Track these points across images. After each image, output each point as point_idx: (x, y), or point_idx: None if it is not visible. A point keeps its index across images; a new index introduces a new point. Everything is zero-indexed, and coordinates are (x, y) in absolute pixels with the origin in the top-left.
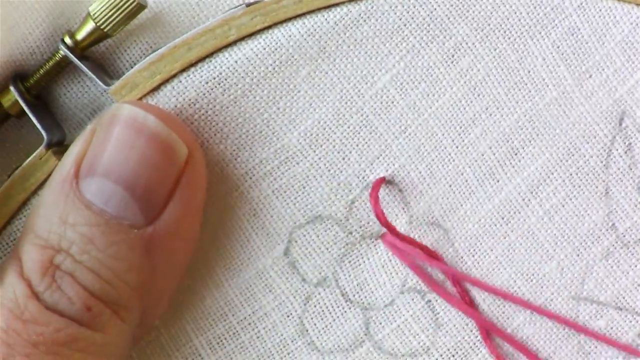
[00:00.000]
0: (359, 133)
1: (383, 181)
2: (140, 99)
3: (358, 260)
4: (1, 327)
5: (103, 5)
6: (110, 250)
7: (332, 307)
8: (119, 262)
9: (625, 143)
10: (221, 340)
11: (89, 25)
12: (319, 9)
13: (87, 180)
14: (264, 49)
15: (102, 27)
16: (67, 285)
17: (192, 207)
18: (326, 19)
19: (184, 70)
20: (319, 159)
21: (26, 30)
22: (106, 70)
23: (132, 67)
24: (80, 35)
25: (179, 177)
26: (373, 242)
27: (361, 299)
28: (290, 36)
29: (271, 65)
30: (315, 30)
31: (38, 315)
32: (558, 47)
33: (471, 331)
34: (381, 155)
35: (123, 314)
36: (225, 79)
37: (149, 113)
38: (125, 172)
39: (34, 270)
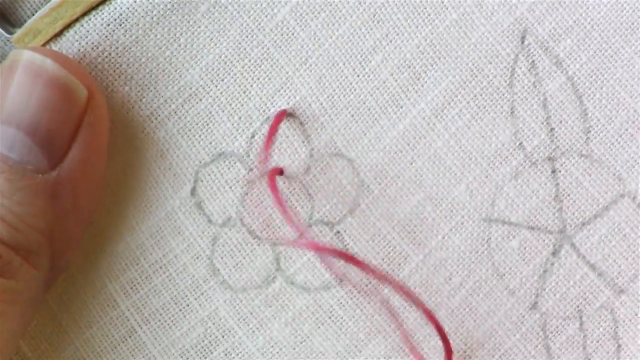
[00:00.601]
0: (260, 66)
1: (283, 116)
2: (44, 45)
3: (260, 198)
4: None
5: None
6: (16, 197)
7: (240, 245)
8: (25, 207)
9: (528, 61)
10: (134, 285)
11: None
12: None
13: None
14: None
15: None
16: None
17: (96, 149)
18: None
19: (85, 14)
20: (221, 93)
21: None
22: (8, 19)
23: (34, 15)
24: None
25: (80, 120)
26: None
27: (269, 235)
28: None
29: (170, 2)
30: None
31: None
32: None
33: (382, 259)
34: (282, 87)
35: (33, 260)
36: (126, 20)
37: (46, 57)
38: (26, 117)
39: None
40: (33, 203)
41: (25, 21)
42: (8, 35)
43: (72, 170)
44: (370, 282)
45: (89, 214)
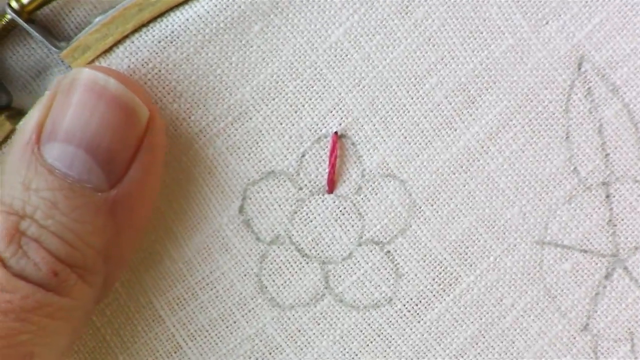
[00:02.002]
0: (312, 86)
1: (337, 139)
2: (93, 61)
3: (309, 216)
4: None
5: None
6: (75, 214)
7: (289, 263)
8: (83, 225)
9: (584, 87)
10: (181, 301)
11: None
12: None
13: (49, 145)
14: (216, 6)
15: None
16: (33, 251)
17: (153, 170)
18: None
19: (135, 30)
20: (272, 112)
21: None
22: (52, 33)
23: (77, 28)
24: None
25: (141, 141)
26: (322, 196)
27: (318, 254)
28: None
29: (223, 22)
30: None
31: (5, 282)
32: None
33: (433, 280)
34: (334, 108)
35: (88, 278)
36: (178, 37)
37: (109, 76)
38: (87, 136)
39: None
40: (91, 221)
41: (68, 35)
42: (57, 50)
43: (130, 191)
44: (420, 302)
45: (141, 233)
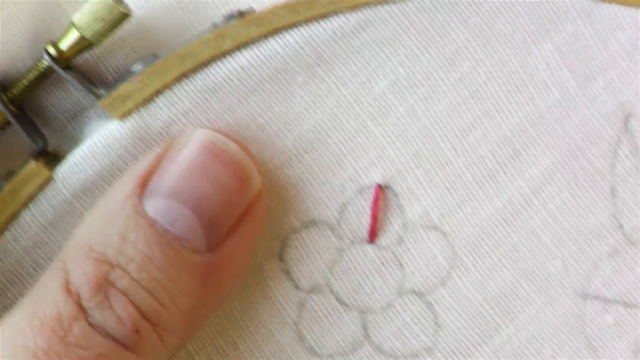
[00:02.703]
0: (355, 138)
1: (380, 190)
2: (133, 110)
3: (349, 266)
4: (42, 347)
5: (87, 15)
6: (170, 272)
7: (328, 312)
8: (175, 285)
9: (631, 144)
10: (220, 352)
11: (73, 35)
12: (316, 18)
13: (154, 199)
14: (259, 57)
15: (86, 36)
16: (119, 304)
17: (251, 243)
18: (324, 28)
19: (176, 81)
20: (314, 162)
21: (7, 39)
22: (90, 79)
23: (115, 72)
24: (64, 45)
25: (248, 209)
26: (363, 246)
27: (357, 303)
28: (286, 45)
29: (266, 73)
30: (312, 38)
31: (83, 338)
32: (561, 51)
33: (473, 330)
34: (377, 159)
35: (167, 339)
36: (220, 89)
37: (230, 140)
38: (197, 195)
39: (85, 284)
40: (184, 282)
41: (106, 81)
42: (94, 99)
43: (227, 258)
44: (460, 352)
45: (219, 304)
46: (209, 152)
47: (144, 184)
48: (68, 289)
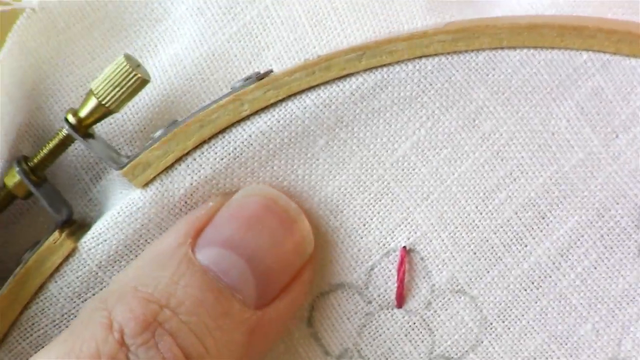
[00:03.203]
0: (380, 200)
1: (406, 253)
2: (155, 177)
3: (379, 330)
4: None
5: (105, 82)
6: (219, 320)
7: None
8: (223, 334)
9: None
10: None
11: (92, 102)
12: (334, 80)
13: (208, 248)
14: (279, 121)
15: (105, 104)
16: (165, 345)
17: (298, 305)
18: (342, 90)
19: (197, 147)
20: (340, 225)
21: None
22: (109, 145)
23: (135, 136)
24: (83, 113)
25: (301, 271)
26: (391, 311)
27: None
28: (305, 108)
29: (287, 137)
30: (331, 100)
31: None
32: (582, 108)
33: None
34: (403, 222)
35: None
36: (241, 154)
37: (289, 200)
38: (252, 247)
39: (132, 321)
40: (232, 333)
41: (134, 145)
42: (116, 167)
43: (274, 317)
44: None
45: None
46: (268, 209)
47: (197, 234)
48: (109, 327)
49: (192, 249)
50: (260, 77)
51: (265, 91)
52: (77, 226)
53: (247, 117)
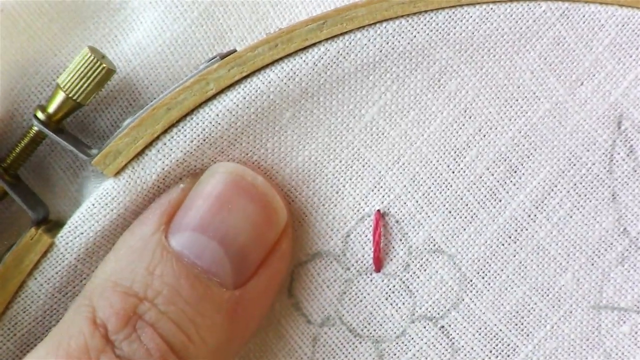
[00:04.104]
0: (351, 166)
1: (380, 217)
2: (126, 165)
3: (359, 296)
4: None
5: (72, 75)
6: (198, 306)
7: (342, 344)
8: (203, 319)
9: (626, 146)
10: None
11: (60, 97)
12: (296, 52)
13: (180, 234)
14: (245, 98)
15: (73, 97)
16: (147, 337)
17: (278, 279)
18: (304, 61)
19: (166, 131)
20: (313, 194)
21: None
22: (80, 140)
23: (113, 126)
24: (52, 109)
25: (275, 244)
26: (370, 275)
27: (370, 333)
28: (269, 82)
29: (254, 112)
30: (294, 72)
31: None
32: (545, 58)
33: (490, 352)
34: (375, 187)
35: None
36: (210, 134)
37: (257, 174)
38: (224, 228)
39: (113, 317)
40: (212, 317)
41: (106, 133)
42: (87, 158)
43: (254, 295)
44: None
45: (245, 343)
46: (236, 185)
47: (168, 220)
48: (94, 322)
49: (166, 235)
50: (223, 56)
51: (230, 69)
52: (54, 224)
53: (214, 97)
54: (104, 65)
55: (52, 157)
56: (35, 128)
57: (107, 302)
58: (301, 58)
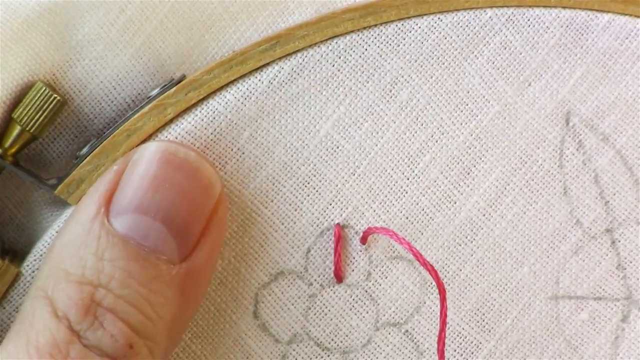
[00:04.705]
0: (308, 182)
1: (340, 230)
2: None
3: (324, 310)
4: None
5: (26, 109)
6: (151, 285)
7: (310, 359)
8: (157, 297)
9: (575, 141)
10: None
11: (16, 130)
12: (251, 72)
13: (122, 216)
14: (202, 119)
15: (29, 129)
16: (109, 323)
17: (219, 245)
18: (260, 80)
19: None
20: (272, 214)
21: None
22: (34, 172)
23: (59, 158)
24: (8, 142)
25: (213, 214)
26: (333, 288)
27: (338, 345)
28: (226, 103)
29: (212, 133)
30: (250, 92)
31: (81, 359)
32: (493, 62)
33: (455, 351)
34: (333, 200)
35: (155, 351)
36: None
37: (188, 149)
38: (164, 207)
39: (72, 308)
40: (165, 293)
41: (51, 163)
42: (49, 189)
43: (200, 265)
44: None
45: (197, 309)
46: (169, 163)
47: (108, 203)
48: (57, 315)
49: (107, 218)
50: (177, 82)
51: (187, 92)
52: (13, 254)
53: (172, 120)
54: (58, 97)
55: None
56: None
57: (63, 294)
58: (256, 77)
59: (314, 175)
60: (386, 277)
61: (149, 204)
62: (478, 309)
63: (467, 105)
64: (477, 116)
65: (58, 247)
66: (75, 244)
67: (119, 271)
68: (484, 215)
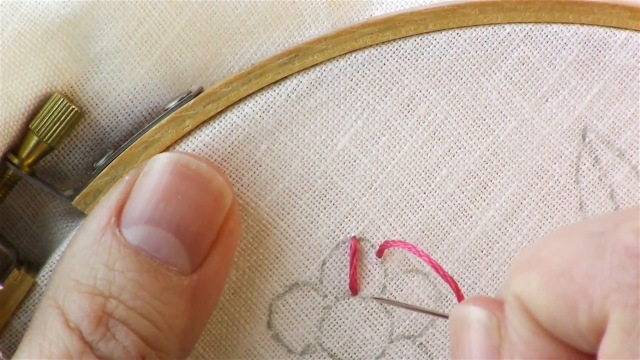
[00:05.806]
0: (325, 196)
1: (356, 242)
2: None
3: (338, 322)
4: None
5: (43, 119)
6: (162, 296)
7: None
8: (169, 308)
9: (591, 156)
10: None
11: (33, 141)
12: (270, 85)
13: (134, 227)
14: (220, 132)
15: (45, 140)
16: (122, 334)
17: (230, 256)
18: (278, 93)
19: None
20: (289, 226)
21: None
22: (50, 182)
23: (74, 170)
24: (24, 153)
25: (224, 225)
26: (348, 300)
27: (351, 356)
28: (245, 116)
29: (230, 146)
30: (269, 105)
31: None
32: (511, 78)
33: None
34: (350, 213)
35: None
36: None
37: (200, 161)
38: (176, 218)
39: (84, 319)
40: (176, 304)
41: (67, 176)
42: (67, 199)
43: (210, 276)
44: None
45: (207, 320)
46: (180, 175)
47: (119, 213)
48: (69, 326)
49: (119, 229)
50: (195, 94)
51: (205, 105)
52: (27, 264)
53: (189, 132)
54: (75, 108)
55: (10, 196)
56: (10, 172)
57: (75, 305)
58: (274, 91)
59: (331, 189)
60: (401, 290)
61: (161, 215)
62: None
63: (485, 120)
64: (495, 131)
65: (69, 256)
66: (86, 253)
67: (130, 282)
68: (499, 229)
